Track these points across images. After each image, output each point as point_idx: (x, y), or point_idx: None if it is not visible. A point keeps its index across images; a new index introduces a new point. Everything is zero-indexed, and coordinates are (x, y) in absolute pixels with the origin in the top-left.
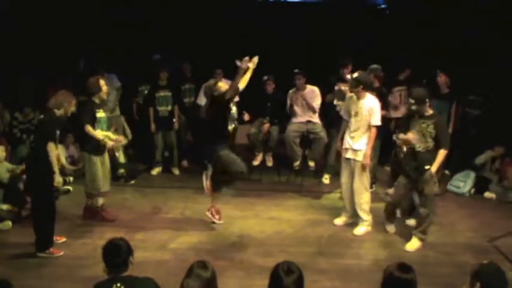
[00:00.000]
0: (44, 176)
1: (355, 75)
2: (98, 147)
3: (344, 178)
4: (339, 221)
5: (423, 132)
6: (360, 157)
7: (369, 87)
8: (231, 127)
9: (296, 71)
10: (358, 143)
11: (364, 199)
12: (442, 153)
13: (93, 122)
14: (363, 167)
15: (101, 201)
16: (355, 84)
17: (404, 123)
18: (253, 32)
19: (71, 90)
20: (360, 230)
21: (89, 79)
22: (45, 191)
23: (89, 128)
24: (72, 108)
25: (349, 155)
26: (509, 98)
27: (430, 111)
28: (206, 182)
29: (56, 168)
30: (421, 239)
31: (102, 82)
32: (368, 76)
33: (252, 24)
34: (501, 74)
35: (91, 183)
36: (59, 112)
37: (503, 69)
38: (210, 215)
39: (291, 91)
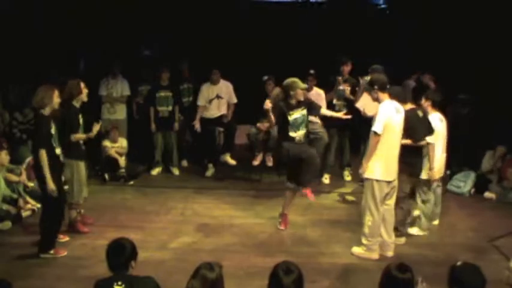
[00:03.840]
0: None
1: (368, 77)
2: (81, 152)
3: None
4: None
5: None
6: (366, 173)
7: (383, 87)
8: (295, 133)
9: (311, 72)
10: (365, 156)
11: (366, 221)
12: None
13: (77, 130)
14: (367, 184)
15: (75, 213)
16: (370, 87)
17: None
18: (253, 32)
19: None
20: (356, 250)
21: (69, 81)
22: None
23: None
24: (57, 100)
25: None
26: (508, 97)
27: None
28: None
29: (48, 175)
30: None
31: (82, 85)
32: (381, 75)
33: (250, 24)
34: (501, 73)
35: (78, 193)
36: (46, 111)
37: (503, 69)
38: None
39: None
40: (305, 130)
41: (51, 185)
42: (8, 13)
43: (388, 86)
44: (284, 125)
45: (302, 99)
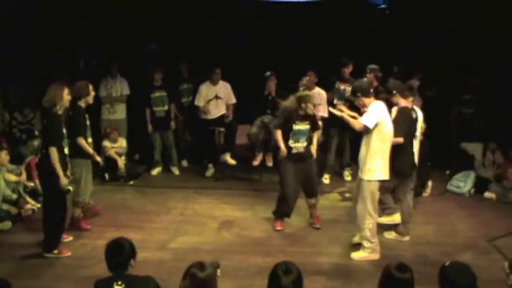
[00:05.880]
0: (54, 178)
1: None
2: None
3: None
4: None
5: None
6: (363, 174)
7: (367, 93)
8: (294, 143)
9: (311, 69)
10: (361, 157)
11: (366, 225)
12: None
13: (85, 130)
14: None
15: (79, 211)
16: (354, 96)
17: None
18: (254, 31)
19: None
20: (358, 255)
21: (77, 82)
22: (55, 193)
23: (81, 141)
24: (68, 97)
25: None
26: (509, 97)
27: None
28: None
29: (60, 172)
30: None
31: (91, 87)
32: (362, 81)
33: (251, 23)
34: (502, 73)
35: (85, 192)
36: (59, 110)
37: (503, 69)
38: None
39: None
40: (305, 143)
41: (63, 180)
42: (8, 13)
43: (371, 90)
44: (286, 132)
45: (311, 113)
